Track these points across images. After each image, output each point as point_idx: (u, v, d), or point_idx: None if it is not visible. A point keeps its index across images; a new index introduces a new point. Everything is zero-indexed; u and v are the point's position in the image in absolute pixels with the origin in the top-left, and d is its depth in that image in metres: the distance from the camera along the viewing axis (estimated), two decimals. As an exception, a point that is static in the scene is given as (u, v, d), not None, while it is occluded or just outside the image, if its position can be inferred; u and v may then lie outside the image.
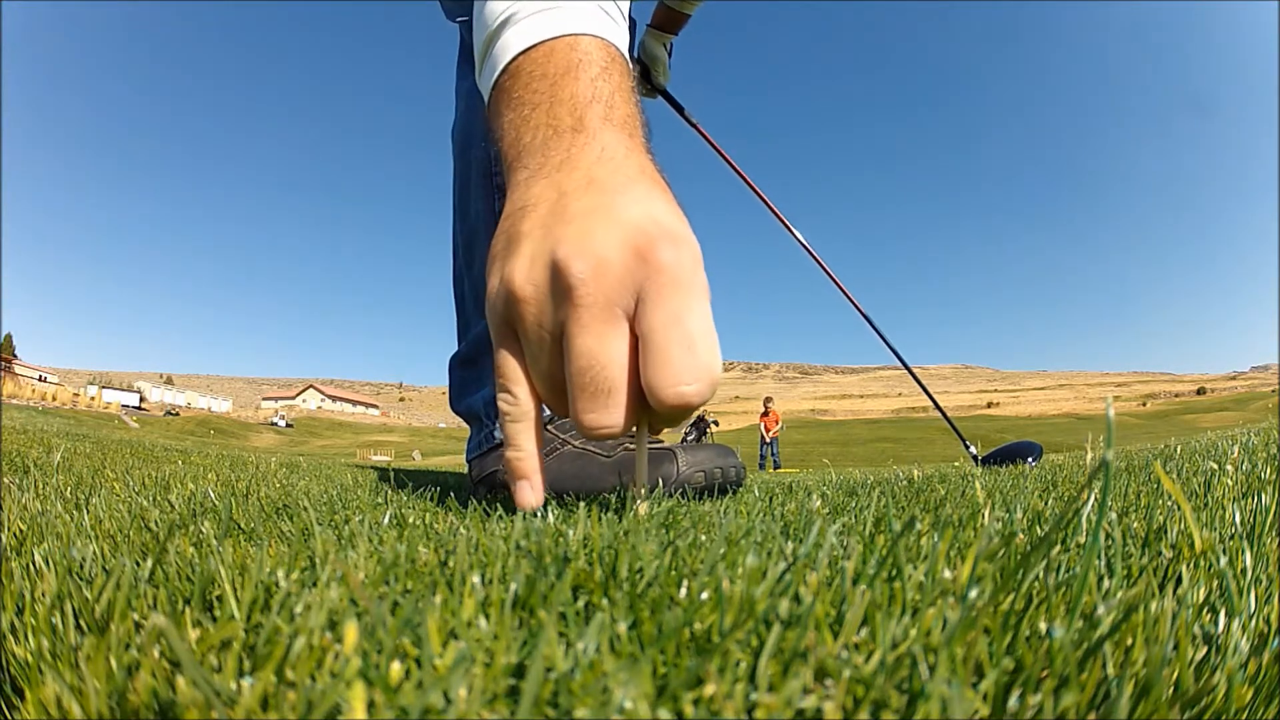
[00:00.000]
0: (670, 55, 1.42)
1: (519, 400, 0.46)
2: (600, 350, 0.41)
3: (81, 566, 0.31)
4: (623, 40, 0.56)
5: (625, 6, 0.60)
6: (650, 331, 0.41)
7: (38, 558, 0.31)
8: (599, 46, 0.53)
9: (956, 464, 1.84)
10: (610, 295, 0.41)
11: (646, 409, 0.43)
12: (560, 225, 0.43)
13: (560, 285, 0.41)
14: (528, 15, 0.53)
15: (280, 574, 0.25)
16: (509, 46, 0.53)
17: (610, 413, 0.42)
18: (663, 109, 1.51)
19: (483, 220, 0.88)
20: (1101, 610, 0.20)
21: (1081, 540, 0.32)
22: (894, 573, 0.23)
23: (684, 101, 1.51)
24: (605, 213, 0.42)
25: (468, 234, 0.93)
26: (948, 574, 0.23)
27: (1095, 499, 0.26)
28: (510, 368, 0.46)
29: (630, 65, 0.55)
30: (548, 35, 0.52)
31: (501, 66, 0.53)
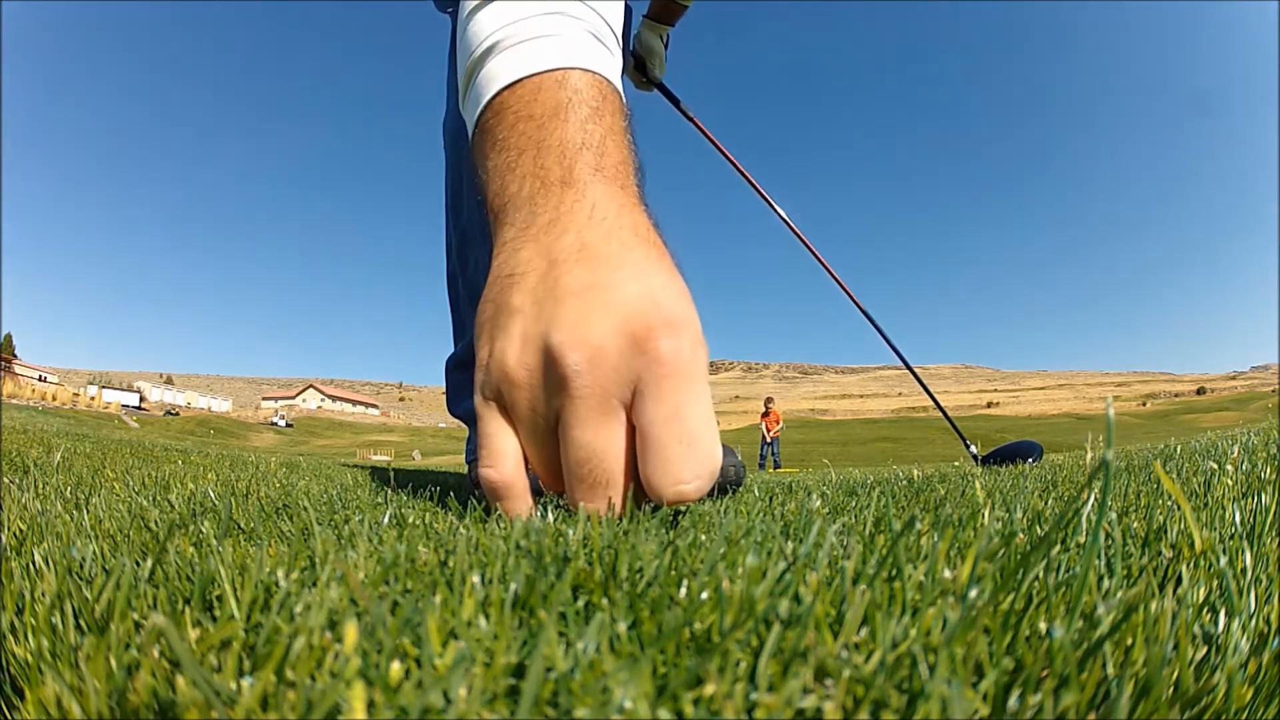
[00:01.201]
0: (667, 47, 1.41)
1: (506, 477, 0.44)
2: (597, 443, 0.40)
3: (81, 566, 0.31)
4: (615, 70, 0.52)
5: (617, 19, 0.56)
6: (649, 426, 0.39)
7: (38, 557, 0.31)
8: (590, 83, 0.48)
9: (956, 464, 1.84)
10: (606, 386, 0.39)
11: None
12: (553, 304, 0.40)
13: (554, 374, 0.40)
14: (514, 44, 0.49)
15: (280, 574, 0.25)
16: (493, 78, 0.49)
17: (609, 502, 0.41)
18: (659, 102, 1.50)
19: (475, 219, 0.86)
20: (1101, 610, 0.20)
21: (1081, 540, 0.32)
22: (894, 572, 0.23)
23: (680, 94, 1.50)
24: (600, 292, 0.40)
25: (461, 232, 0.92)
26: (948, 574, 0.23)
27: (1095, 499, 0.26)
28: (495, 443, 0.44)
29: (623, 99, 0.52)
30: (535, 69, 0.47)
31: (485, 101, 0.49)
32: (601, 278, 0.41)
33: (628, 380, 0.40)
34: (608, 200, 0.44)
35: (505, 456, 0.44)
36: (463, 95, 0.54)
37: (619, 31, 0.56)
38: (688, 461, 0.40)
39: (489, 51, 0.50)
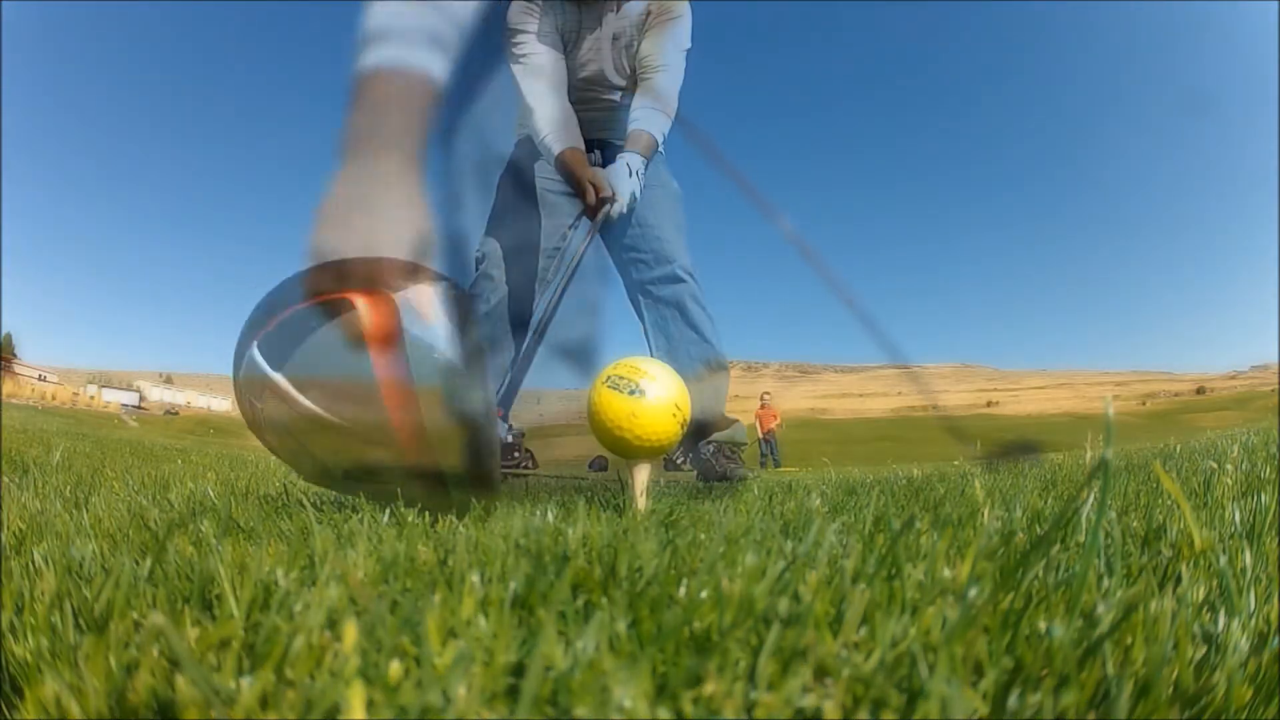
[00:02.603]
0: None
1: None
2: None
3: (81, 565, 0.31)
4: (440, 64, 0.69)
5: (466, 12, 0.71)
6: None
7: (37, 557, 0.31)
8: (405, 77, 0.66)
9: (956, 464, 1.84)
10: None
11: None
12: (337, 223, 0.62)
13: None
14: (375, 42, 0.68)
15: (279, 573, 0.25)
16: (359, 65, 0.67)
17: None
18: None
19: (468, 221, 0.94)
20: (1101, 609, 0.20)
21: (1081, 539, 0.32)
22: (893, 571, 0.23)
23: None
24: (355, 222, 0.61)
25: (456, 234, 0.96)
26: (947, 573, 0.23)
27: (1095, 498, 0.26)
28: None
29: (436, 90, 0.69)
30: (376, 64, 0.66)
31: (351, 80, 0.67)
32: (355, 216, 0.61)
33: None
34: (377, 162, 0.63)
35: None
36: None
37: (464, 24, 0.73)
38: None
39: (365, 42, 0.68)
